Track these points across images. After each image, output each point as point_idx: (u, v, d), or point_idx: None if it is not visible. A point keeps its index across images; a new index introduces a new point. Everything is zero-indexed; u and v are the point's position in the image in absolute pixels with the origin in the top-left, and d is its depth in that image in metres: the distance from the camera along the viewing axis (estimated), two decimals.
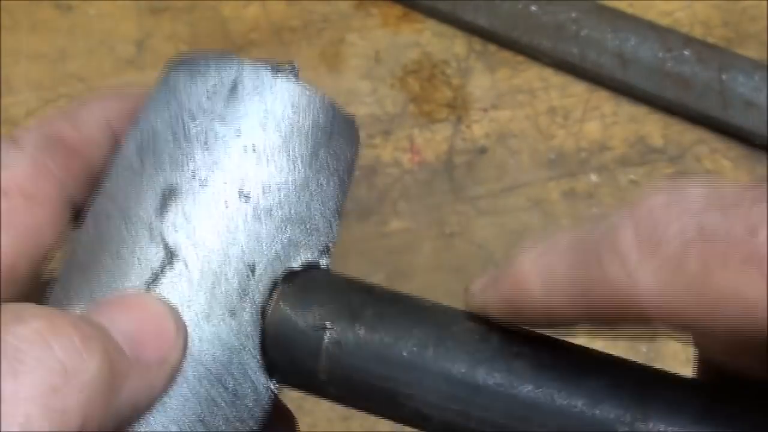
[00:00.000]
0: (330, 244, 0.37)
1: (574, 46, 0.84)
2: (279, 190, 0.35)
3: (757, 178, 0.78)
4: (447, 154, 0.81)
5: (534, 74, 0.84)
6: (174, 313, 0.33)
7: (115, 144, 0.38)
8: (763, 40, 0.84)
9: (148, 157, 0.35)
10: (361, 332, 0.33)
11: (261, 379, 0.34)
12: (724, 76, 0.81)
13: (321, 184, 0.36)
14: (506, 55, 0.85)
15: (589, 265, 0.30)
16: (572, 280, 0.30)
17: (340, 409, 0.71)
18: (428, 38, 0.86)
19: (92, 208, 0.36)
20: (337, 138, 0.37)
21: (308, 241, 0.36)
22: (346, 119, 0.38)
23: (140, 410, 0.32)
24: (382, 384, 0.33)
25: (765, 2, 0.86)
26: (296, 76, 0.37)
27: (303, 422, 0.72)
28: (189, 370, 0.33)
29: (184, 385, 0.33)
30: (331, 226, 0.37)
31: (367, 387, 0.33)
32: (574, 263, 0.30)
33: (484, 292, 0.33)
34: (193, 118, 0.36)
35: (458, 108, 0.83)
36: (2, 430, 0.26)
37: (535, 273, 0.31)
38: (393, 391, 0.33)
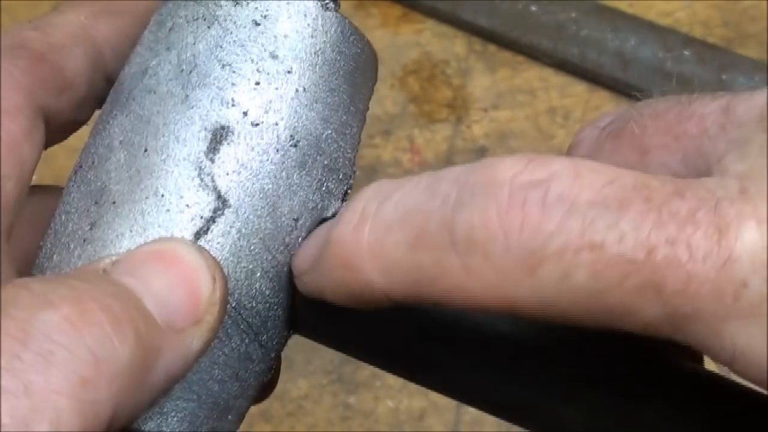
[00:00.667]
0: (349, 190, 0.35)
1: (574, 46, 0.84)
2: (323, 137, 0.33)
3: None
4: (447, 154, 0.81)
5: (534, 74, 0.84)
6: (211, 265, 0.30)
7: (92, 49, 0.35)
8: (763, 40, 0.84)
9: (191, 84, 0.32)
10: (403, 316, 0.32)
11: (285, 332, 0.33)
12: (724, 76, 0.81)
13: (352, 130, 0.35)
14: (506, 55, 0.85)
15: (433, 255, 0.27)
16: (412, 269, 0.27)
17: (340, 409, 0.71)
18: (428, 38, 0.86)
19: (115, 130, 0.33)
20: (369, 80, 0.36)
21: (338, 189, 0.34)
22: (374, 57, 0.36)
23: (176, 377, 0.30)
24: (416, 349, 0.32)
25: (765, 2, 0.86)
26: (338, 7, 0.34)
27: (303, 422, 0.72)
28: (232, 326, 0.32)
29: (227, 341, 0.32)
30: (352, 171, 0.35)
31: (399, 350, 0.32)
32: (411, 246, 0.27)
33: (315, 273, 0.30)
34: (243, 48, 0.33)
35: (458, 108, 0.83)
36: (31, 425, 0.25)
37: (368, 254, 0.28)
38: (426, 357, 0.32)
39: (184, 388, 0.31)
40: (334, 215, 0.34)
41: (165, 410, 0.31)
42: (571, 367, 0.31)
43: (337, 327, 0.33)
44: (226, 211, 0.32)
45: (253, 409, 0.66)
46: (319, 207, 0.33)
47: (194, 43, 0.33)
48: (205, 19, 0.33)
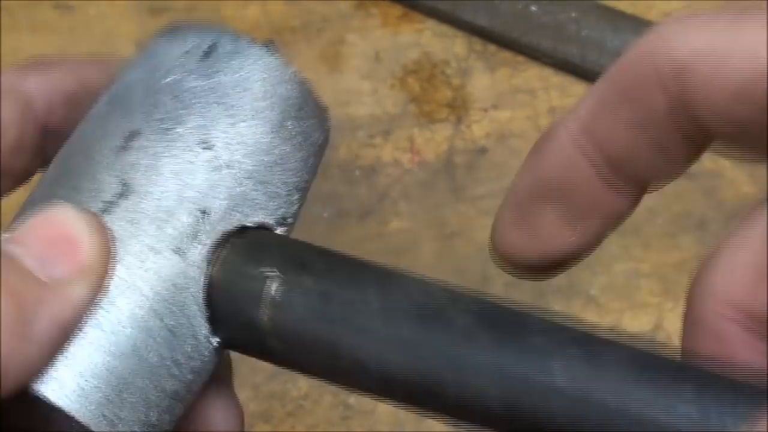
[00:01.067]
0: (289, 218, 0.38)
1: (574, 46, 0.84)
2: (242, 146, 0.36)
3: (757, 177, 0.78)
4: (447, 154, 0.81)
5: (534, 74, 0.84)
6: (88, 219, 0.34)
7: (19, 99, 0.39)
8: None
9: (117, 106, 0.37)
10: (309, 281, 0.34)
11: (202, 329, 0.35)
12: None
13: (286, 154, 0.38)
14: (506, 55, 0.85)
15: None
16: None
17: (340, 409, 0.71)
18: (428, 38, 0.86)
19: (58, 154, 0.37)
20: (306, 116, 0.39)
21: (267, 204, 0.37)
22: (318, 103, 0.39)
23: (67, 325, 0.33)
24: (326, 331, 0.33)
25: (765, 2, 0.85)
26: (276, 51, 0.38)
27: (303, 422, 0.72)
28: (128, 296, 0.34)
29: (122, 307, 0.34)
30: (291, 198, 0.38)
31: (310, 335, 0.34)
32: None
33: None
34: (167, 73, 0.37)
35: (458, 108, 0.83)
36: None
37: None
38: (335, 339, 0.33)
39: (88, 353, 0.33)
40: (258, 225, 0.36)
41: (64, 378, 0.33)
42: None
43: (250, 322, 0.34)
44: (128, 196, 0.35)
45: (253, 409, 0.66)
46: (238, 210, 0.36)
47: (130, 77, 0.38)
48: (143, 60, 0.38)
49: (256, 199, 0.36)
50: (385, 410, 0.72)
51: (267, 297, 0.34)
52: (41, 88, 0.39)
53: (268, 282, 0.34)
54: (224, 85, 0.37)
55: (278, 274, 0.34)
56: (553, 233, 0.34)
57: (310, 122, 0.39)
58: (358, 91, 0.83)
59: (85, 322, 0.33)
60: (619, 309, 0.75)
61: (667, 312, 0.74)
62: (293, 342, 0.34)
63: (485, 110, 0.83)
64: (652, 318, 0.74)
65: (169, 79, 0.37)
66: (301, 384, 0.72)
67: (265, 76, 0.37)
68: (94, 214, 0.34)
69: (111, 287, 0.34)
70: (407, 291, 0.33)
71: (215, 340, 0.35)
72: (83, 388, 0.33)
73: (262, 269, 0.34)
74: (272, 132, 0.37)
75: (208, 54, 0.37)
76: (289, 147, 0.38)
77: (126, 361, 0.33)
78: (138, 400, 0.34)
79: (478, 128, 0.82)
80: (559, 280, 0.78)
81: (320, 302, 0.33)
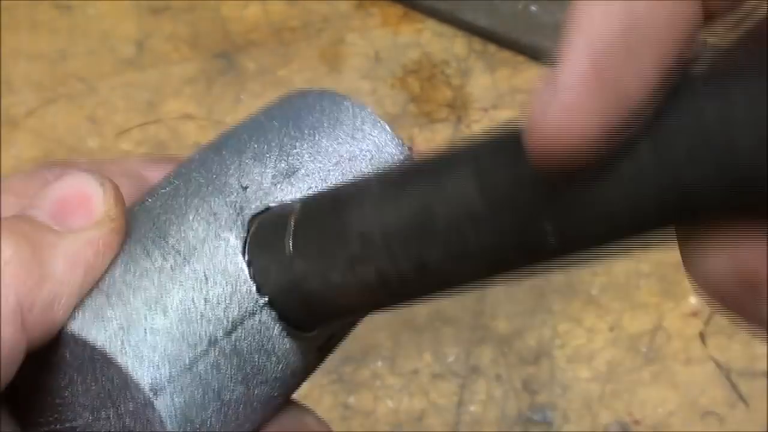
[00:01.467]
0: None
1: None
2: (290, 147, 0.39)
3: None
4: None
5: (534, 74, 0.84)
6: (96, 176, 0.36)
7: (139, 182, 0.41)
8: None
9: (224, 142, 0.40)
10: (323, 194, 0.37)
11: (243, 281, 0.36)
12: None
13: (340, 157, 0.41)
14: (506, 55, 0.85)
15: None
16: None
17: (340, 409, 0.72)
18: (428, 38, 0.86)
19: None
20: (365, 137, 0.44)
21: (320, 189, 0.39)
22: (384, 128, 0.46)
23: (90, 267, 0.35)
24: (332, 220, 0.35)
25: (765, 2, 0.86)
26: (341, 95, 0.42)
27: None
28: (157, 245, 0.36)
29: (148, 251, 0.36)
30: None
31: (323, 236, 0.35)
32: None
33: None
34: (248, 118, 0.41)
35: (458, 108, 0.83)
36: None
37: None
38: (342, 223, 0.35)
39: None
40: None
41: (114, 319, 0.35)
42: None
43: (279, 256, 0.36)
44: (175, 180, 0.38)
45: None
46: (285, 191, 0.38)
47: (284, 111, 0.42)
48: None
49: (305, 183, 0.39)
50: (384, 410, 0.72)
51: (290, 224, 0.36)
52: (161, 176, 0.42)
53: (291, 214, 0.36)
54: (283, 109, 0.40)
55: (300, 202, 0.37)
56: (637, 83, 0.27)
57: (371, 143, 0.44)
58: (358, 91, 0.83)
59: (111, 265, 0.35)
60: (619, 309, 0.75)
61: (667, 312, 0.74)
62: (309, 248, 0.36)
63: (485, 110, 0.83)
64: (652, 318, 0.74)
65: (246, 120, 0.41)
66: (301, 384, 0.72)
67: (323, 102, 0.41)
68: (102, 174, 0.36)
69: (140, 237, 0.36)
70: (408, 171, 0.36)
71: (262, 299, 0.37)
72: (106, 319, 0.34)
73: (289, 207, 0.37)
74: (326, 138, 0.40)
75: (282, 99, 0.41)
76: (346, 155, 0.41)
77: (149, 294, 0.35)
78: (164, 334, 0.35)
79: (478, 128, 0.82)
80: (559, 280, 0.78)
81: (330, 200, 0.36)
